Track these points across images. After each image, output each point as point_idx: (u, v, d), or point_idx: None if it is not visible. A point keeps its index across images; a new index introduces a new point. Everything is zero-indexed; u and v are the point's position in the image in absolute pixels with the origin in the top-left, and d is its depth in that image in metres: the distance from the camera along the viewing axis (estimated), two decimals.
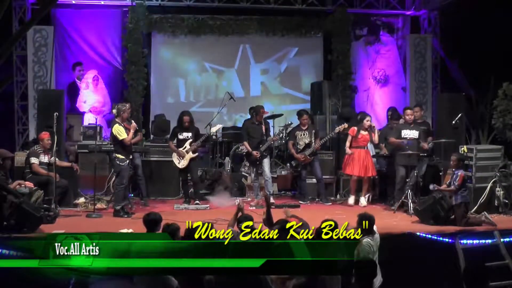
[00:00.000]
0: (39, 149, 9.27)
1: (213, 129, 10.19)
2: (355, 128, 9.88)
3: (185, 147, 9.66)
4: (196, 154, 9.74)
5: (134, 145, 9.42)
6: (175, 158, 9.69)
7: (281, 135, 10.95)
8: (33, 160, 9.12)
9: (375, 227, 6.46)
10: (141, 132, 10.21)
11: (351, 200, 9.94)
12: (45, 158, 9.22)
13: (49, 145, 9.18)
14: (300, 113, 10.37)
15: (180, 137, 9.73)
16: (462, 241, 7.64)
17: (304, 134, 10.12)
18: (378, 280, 6.30)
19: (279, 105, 12.90)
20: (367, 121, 9.91)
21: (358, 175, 9.78)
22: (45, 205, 8.31)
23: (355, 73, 12.93)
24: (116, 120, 9.06)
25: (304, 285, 5.33)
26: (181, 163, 9.65)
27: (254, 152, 9.84)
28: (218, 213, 8.75)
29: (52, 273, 5.18)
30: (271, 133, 10.67)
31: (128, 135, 8.92)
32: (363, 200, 9.87)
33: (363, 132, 9.84)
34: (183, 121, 9.72)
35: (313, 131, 10.16)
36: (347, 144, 9.88)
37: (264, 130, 10.04)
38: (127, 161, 9.01)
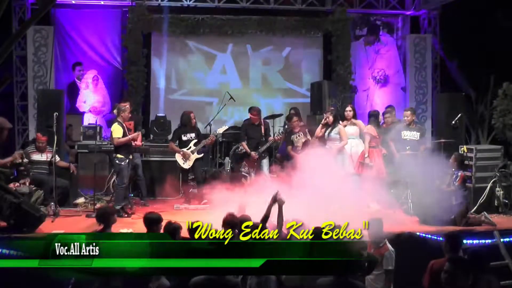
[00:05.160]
0: (31, 149, 9.25)
1: (220, 130, 10.19)
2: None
3: (190, 147, 9.66)
4: (202, 154, 9.75)
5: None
6: (179, 159, 9.66)
7: (281, 135, 10.91)
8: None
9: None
10: (141, 132, 10.23)
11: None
12: (42, 157, 9.21)
13: (41, 147, 9.16)
14: (289, 117, 10.31)
15: (184, 138, 9.71)
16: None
17: (299, 136, 10.08)
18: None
19: (279, 99, 12.90)
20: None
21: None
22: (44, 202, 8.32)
23: (355, 73, 12.94)
24: (118, 119, 9.07)
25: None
26: (187, 164, 9.64)
27: (253, 153, 9.82)
28: (218, 213, 8.71)
29: (52, 273, 5.18)
30: (271, 133, 10.65)
31: (127, 134, 8.94)
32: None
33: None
34: (190, 120, 9.71)
35: (307, 129, 10.14)
36: (367, 145, 9.24)
37: (263, 131, 10.04)
38: (127, 160, 9.01)
